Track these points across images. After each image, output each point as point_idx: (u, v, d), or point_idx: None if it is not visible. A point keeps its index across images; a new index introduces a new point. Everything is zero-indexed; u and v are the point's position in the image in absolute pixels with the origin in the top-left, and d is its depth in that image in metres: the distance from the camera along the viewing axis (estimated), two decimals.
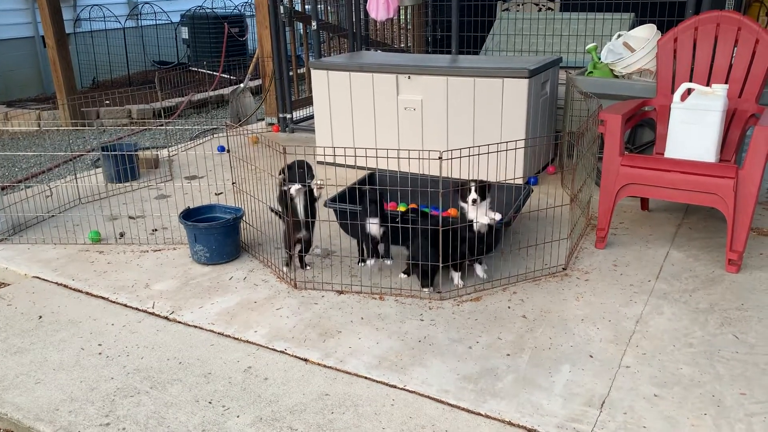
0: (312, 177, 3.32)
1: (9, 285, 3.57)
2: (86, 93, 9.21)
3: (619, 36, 4.57)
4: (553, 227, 3.83)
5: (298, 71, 7.57)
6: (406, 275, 3.40)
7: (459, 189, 3.20)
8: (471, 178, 3.18)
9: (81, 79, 10.29)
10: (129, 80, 10.18)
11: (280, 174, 3.29)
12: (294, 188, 3.21)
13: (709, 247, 3.67)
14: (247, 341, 2.87)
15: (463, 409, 2.40)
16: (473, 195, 3.12)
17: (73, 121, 7.48)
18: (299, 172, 3.25)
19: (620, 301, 3.12)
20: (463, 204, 3.20)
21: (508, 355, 2.72)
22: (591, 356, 2.69)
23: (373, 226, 3.36)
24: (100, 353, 2.82)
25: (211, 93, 8.98)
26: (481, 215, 3.15)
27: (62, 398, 2.52)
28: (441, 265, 3.16)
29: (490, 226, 3.18)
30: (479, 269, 3.29)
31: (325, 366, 2.67)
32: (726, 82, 3.85)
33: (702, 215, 4.09)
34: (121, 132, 7.54)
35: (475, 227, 3.16)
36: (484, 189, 3.16)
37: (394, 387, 2.53)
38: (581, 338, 2.82)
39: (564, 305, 3.10)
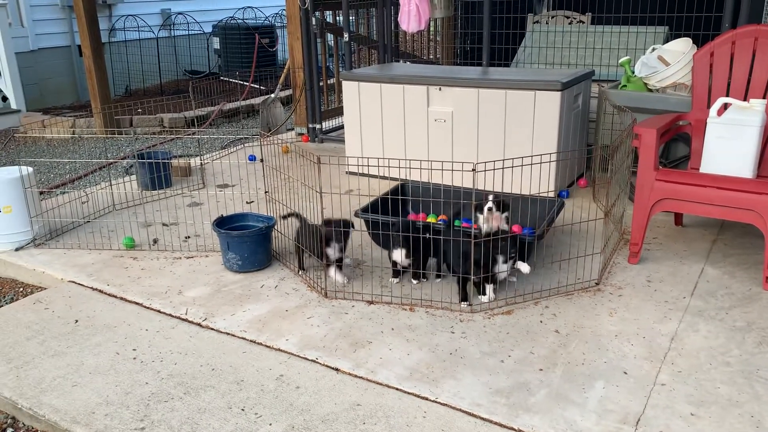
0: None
1: (46, 289, 3.64)
2: (119, 101, 9.37)
3: (653, 50, 4.54)
4: (586, 241, 3.79)
5: (328, 82, 7.64)
6: (416, 280, 3.46)
7: (476, 203, 3.30)
8: (489, 192, 3.28)
9: (114, 88, 10.48)
10: (161, 89, 10.35)
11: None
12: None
13: (746, 264, 3.61)
14: (279, 349, 2.88)
15: (496, 423, 2.38)
16: (489, 204, 3.23)
17: (107, 130, 7.62)
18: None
19: (654, 317, 3.08)
20: (479, 215, 3.29)
21: (541, 369, 2.69)
22: (625, 373, 2.65)
23: (400, 255, 3.37)
24: (134, 358, 2.86)
25: (242, 102, 9.08)
26: (490, 224, 3.26)
27: (98, 401, 2.56)
28: (473, 277, 3.15)
29: (514, 238, 3.18)
30: (523, 266, 3.25)
31: (356, 376, 2.67)
32: (764, 97, 3.80)
33: (737, 231, 4.02)
34: (153, 140, 7.66)
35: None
36: (500, 202, 3.25)
37: (426, 399, 2.52)
38: (615, 354, 2.79)
39: (597, 320, 3.06)
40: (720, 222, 4.15)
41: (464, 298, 3.23)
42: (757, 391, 2.51)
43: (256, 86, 10.00)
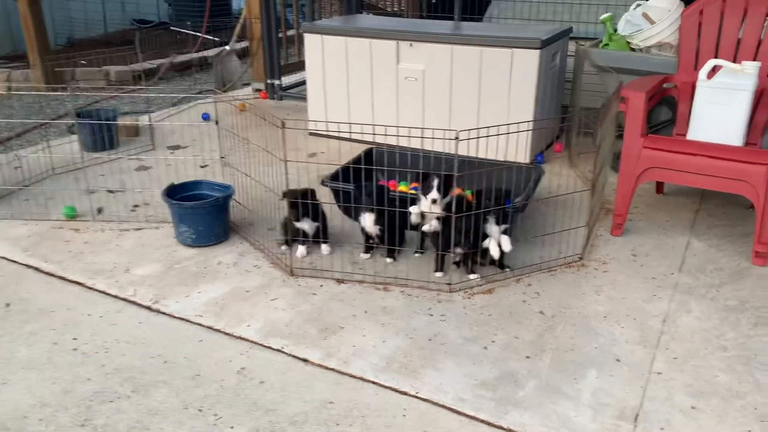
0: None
1: None
2: (61, 52, 8.68)
3: (637, 6, 4.28)
4: (564, 211, 3.57)
5: (287, 34, 7.18)
6: (390, 258, 3.19)
7: (421, 181, 3.01)
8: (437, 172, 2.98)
9: (55, 38, 9.73)
10: (107, 40, 9.66)
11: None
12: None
13: (731, 236, 3.45)
14: (240, 337, 2.59)
15: (483, 421, 2.16)
16: (434, 194, 2.92)
17: (47, 85, 7.03)
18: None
19: (643, 296, 2.89)
20: (422, 196, 3.00)
21: (528, 357, 2.48)
22: (618, 360, 2.46)
23: (368, 222, 3.09)
24: (75, 349, 2.53)
25: (195, 55, 8.53)
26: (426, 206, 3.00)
27: (32, 403, 2.24)
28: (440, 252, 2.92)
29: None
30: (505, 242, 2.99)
31: (327, 368, 2.41)
32: (754, 59, 3.60)
33: (720, 200, 3.86)
34: (96, 97, 7.10)
35: (413, 219, 3.06)
36: (448, 187, 2.95)
37: (405, 394, 2.28)
38: (605, 339, 2.59)
39: (583, 300, 2.86)
40: (701, 191, 3.99)
41: (440, 268, 3.02)
42: (758, 380, 2.35)
43: (209, 37, 9.42)
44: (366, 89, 4.71)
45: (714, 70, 3.44)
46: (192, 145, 4.82)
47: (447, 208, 2.94)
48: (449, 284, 2.95)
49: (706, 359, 2.47)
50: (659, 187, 3.99)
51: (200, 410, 2.21)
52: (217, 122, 3.46)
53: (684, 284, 2.99)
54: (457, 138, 2.64)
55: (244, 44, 7.55)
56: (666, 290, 2.94)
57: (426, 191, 2.96)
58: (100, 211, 3.70)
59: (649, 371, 2.40)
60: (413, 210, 3.04)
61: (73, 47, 9.34)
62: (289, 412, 2.19)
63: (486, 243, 2.96)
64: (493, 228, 2.94)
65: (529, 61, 4.15)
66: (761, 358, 2.47)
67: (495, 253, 2.94)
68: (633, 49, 4.22)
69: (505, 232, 2.94)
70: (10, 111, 6.54)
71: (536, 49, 4.12)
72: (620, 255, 3.26)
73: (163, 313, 2.76)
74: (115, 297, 2.88)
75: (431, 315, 2.74)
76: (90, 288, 2.96)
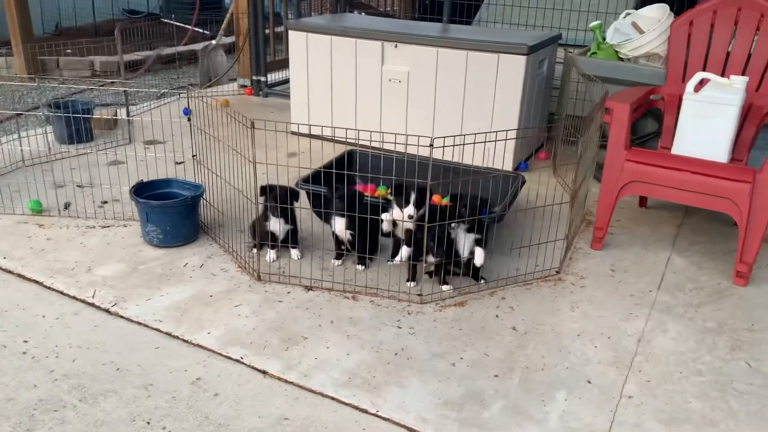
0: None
1: None
2: (48, 40, 8.53)
3: (627, 15, 4.20)
4: (543, 222, 3.48)
5: (276, 30, 7.07)
6: (362, 266, 3.09)
7: (396, 193, 2.91)
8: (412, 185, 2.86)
9: (43, 25, 9.57)
10: (95, 29, 9.51)
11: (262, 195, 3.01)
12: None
13: (713, 253, 3.37)
14: (198, 345, 2.49)
15: None
16: (409, 210, 2.82)
17: (29, 75, 6.89)
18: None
19: (619, 314, 2.81)
20: (397, 208, 2.90)
21: (496, 376, 2.39)
22: (589, 382, 2.38)
23: (339, 225, 2.99)
24: (24, 352, 2.42)
25: (182, 48, 8.40)
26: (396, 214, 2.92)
27: None
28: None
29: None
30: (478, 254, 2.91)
31: (286, 381, 2.31)
32: (743, 74, 3.52)
33: (703, 216, 3.79)
34: (80, 86, 6.96)
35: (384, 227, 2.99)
36: (422, 201, 2.84)
37: (365, 412, 2.19)
38: (578, 358, 2.50)
39: (558, 316, 2.77)
40: (685, 205, 3.90)
41: (412, 277, 2.93)
42: (732, 407, 2.27)
43: (199, 30, 9.29)
44: (349, 89, 4.61)
45: (702, 83, 3.37)
46: (173, 140, 4.70)
47: (420, 217, 2.85)
48: (420, 295, 2.85)
49: (680, 383, 2.39)
50: (642, 200, 3.92)
51: (148, 423, 2.10)
52: (189, 119, 3.35)
53: (662, 303, 2.90)
54: (431, 145, 2.55)
55: (231, 39, 7.43)
56: (643, 308, 2.85)
57: (400, 204, 2.86)
58: (67, 206, 3.58)
59: (620, 394, 2.31)
60: (385, 217, 2.95)
61: (61, 35, 9.19)
62: (242, 428, 2.09)
63: (462, 252, 2.87)
64: (466, 237, 2.85)
65: (515, 66, 4.07)
66: (737, 385, 2.39)
67: (478, 260, 2.85)
68: (621, 59, 4.14)
69: (479, 244, 2.85)
70: None
71: (523, 54, 4.03)
72: (599, 270, 3.17)
73: (122, 317, 2.65)
74: (74, 298, 2.77)
75: (400, 327, 2.65)
76: (48, 287, 2.84)
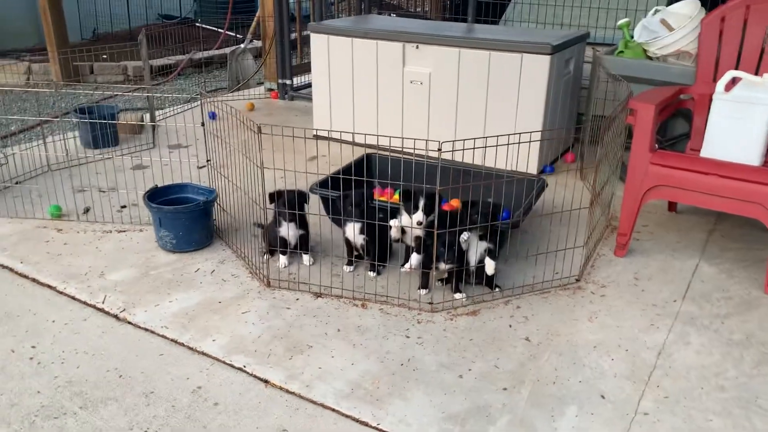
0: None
1: None
2: (86, 45, 8.73)
3: (656, 12, 4.04)
4: (568, 228, 3.37)
5: (303, 34, 7.06)
6: (373, 272, 3.02)
7: (405, 199, 2.83)
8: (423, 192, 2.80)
9: (82, 31, 9.80)
10: (130, 34, 9.68)
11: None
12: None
13: (745, 261, 3.21)
14: (203, 352, 2.47)
15: None
16: (419, 217, 2.74)
17: (65, 81, 7.04)
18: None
19: (640, 324, 2.68)
20: (406, 214, 2.83)
21: (505, 389, 2.30)
22: (603, 397, 2.27)
23: (352, 232, 2.94)
24: (31, 358, 2.43)
25: (213, 52, 8.47)
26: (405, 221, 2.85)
27: None
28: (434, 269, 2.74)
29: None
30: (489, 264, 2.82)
31: (287, 391, 2.27)
32: None
33: (737, 221, 3.61)
34: (111, 92, 7.08)
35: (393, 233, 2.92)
36: (431, 207, 2.76)
37: (366, 425, 2.13)
38: (592, 371, 2.40)
39: (574, 327, 2.66)
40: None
41: (425, 285, 2.85)
42: (756, 426, 2.14)
43: (231, 34, 9.36)
44: (371, 92, 4.56)
45: (733, 82, 3.21)
46: (196, 144, 4.72)
47: (430, 223, 2.77)
48: (431, 303, 2.78)
49: (701, 400, 2.26)
50: (671, 204, 3.76)
51: (146, 431, 2.08)
52: (203, 123, 3.34)
53: (686, 313, 2.77)
54: (439, 150, 2.47)
55: (260, 43, 7.47)
56: (666, 319, 2.72)
57: (409, 210, 2.79)
58: (86, 210, 3.62)
59: (635, 411, 2.20)
60: (393, 224, 2.88)
61: (98, 41, 9.39)
62: None
63: (473, 260, 2.79)
64: (478, 245, 2.77)
65: (539, 66, 3.95)
66: (762, 402, 2.25)
67: (489, 269, 2.76)
68: (650, 58, 3.98)
69: (490, 253, 2.76)
70: (26, 104, 6.56)
71: (547, 54, 3.91)
72: (621, 278, 3.04)
73: (129, 323, 2.65)
74: (84, 303, 2.78)
75: (408, 337, 2.58)
76: (60, 292, 2.86)
